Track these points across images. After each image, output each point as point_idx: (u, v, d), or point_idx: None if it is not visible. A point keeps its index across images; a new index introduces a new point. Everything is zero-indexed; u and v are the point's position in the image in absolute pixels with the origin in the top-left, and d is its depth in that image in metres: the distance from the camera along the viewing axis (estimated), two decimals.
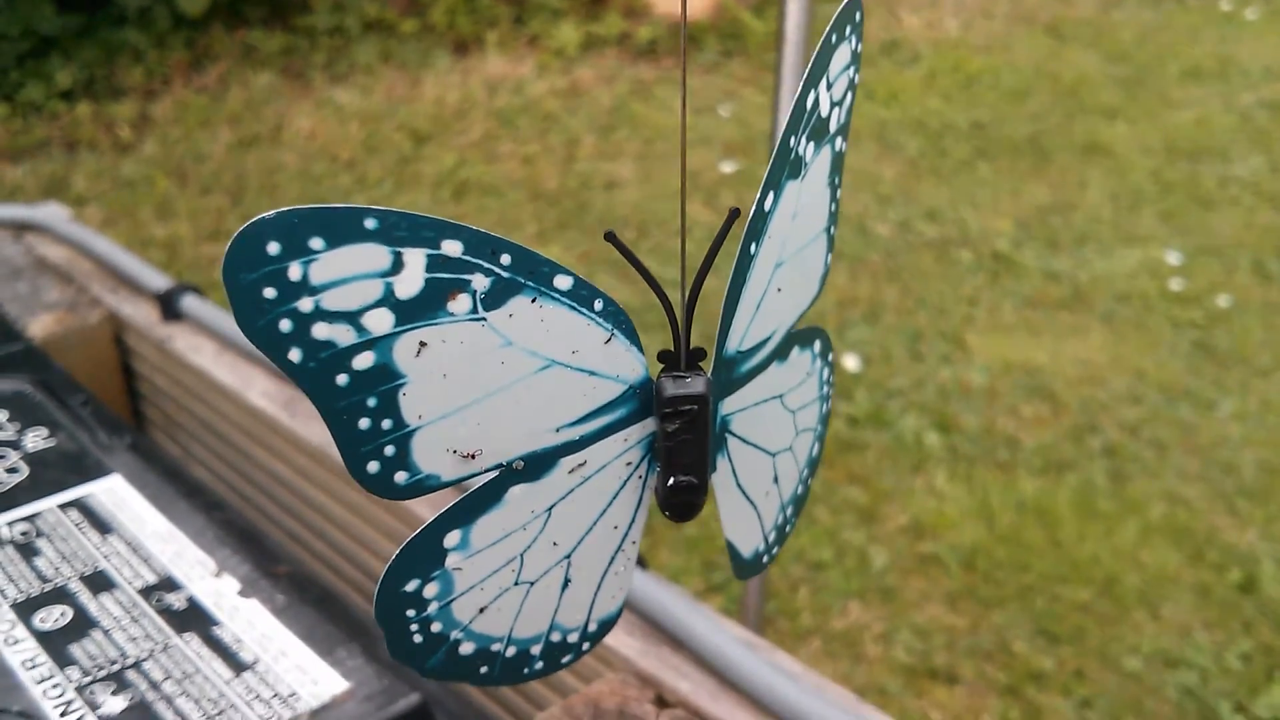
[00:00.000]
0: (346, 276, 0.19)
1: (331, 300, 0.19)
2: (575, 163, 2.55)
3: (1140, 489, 1.52)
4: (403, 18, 3.18)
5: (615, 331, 0.22)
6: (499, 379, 0.22)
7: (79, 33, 2.85)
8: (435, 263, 0.20)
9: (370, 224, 0.19)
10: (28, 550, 0.44)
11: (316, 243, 0.19)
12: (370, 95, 2.81)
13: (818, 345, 0.30)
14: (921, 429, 1.64)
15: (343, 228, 0.19)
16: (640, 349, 0.23)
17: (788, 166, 0.26)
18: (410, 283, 0.20)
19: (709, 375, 0.24)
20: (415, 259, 0.19)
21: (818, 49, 0.26)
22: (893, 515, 1.46)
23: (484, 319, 0.21)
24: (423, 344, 0.20)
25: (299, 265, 0.19)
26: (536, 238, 2.20)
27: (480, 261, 0.20)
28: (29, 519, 0.46)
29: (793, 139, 0.26)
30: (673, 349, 0.24)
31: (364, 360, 0.20)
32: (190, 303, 0.76)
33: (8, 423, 0.54)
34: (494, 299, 0.21)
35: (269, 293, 0.19)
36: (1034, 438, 1.63)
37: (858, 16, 0.28)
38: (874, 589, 1.31)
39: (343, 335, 0.20)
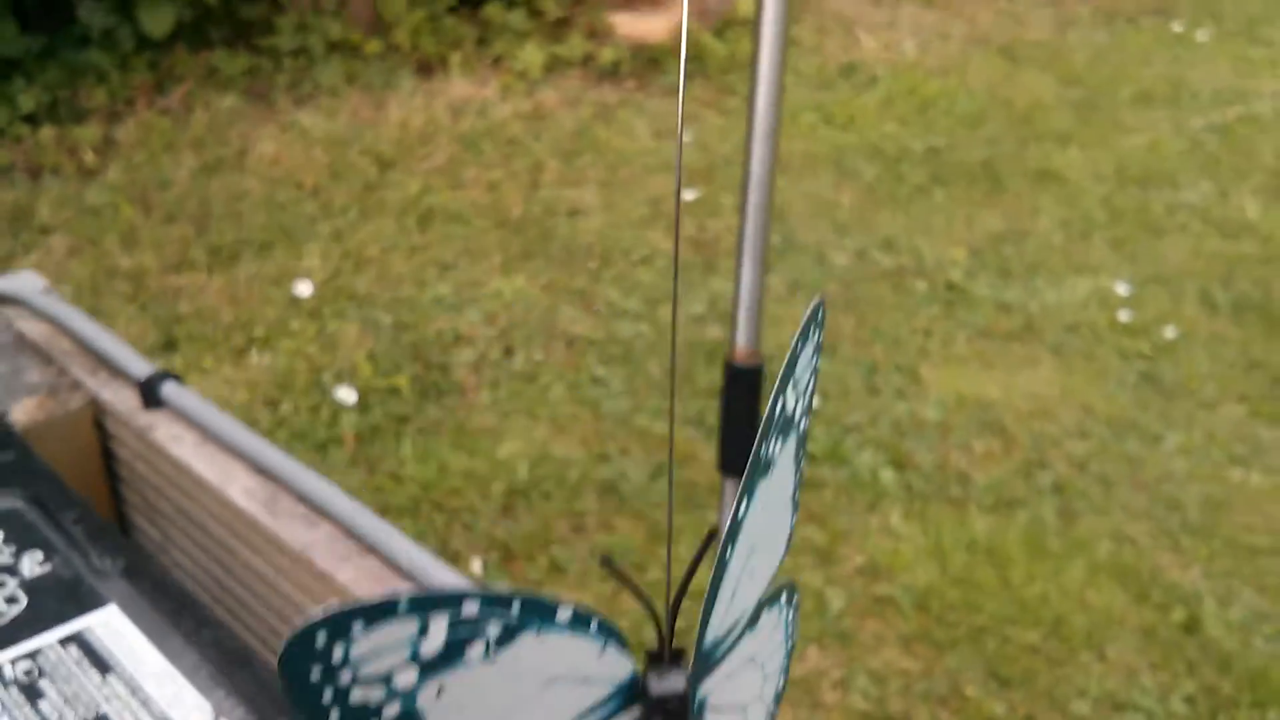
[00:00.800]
0: (380, 649, 0.22)
1: (366, 671, 0.22)
2: (539, 189, 2.58)
3: (1088, 526, 1.57)
4: (367, 38, 3.19)
5: (607, 642, 0.26)
6: (508, 701, 0.25)
7: (41, 54, 2.85)
8: (455, 622, 0.23)
9: (403, 606, 0.22)
10: (32, 692, 0.47)
11: (356, 627, 0.22)
12: (334, 118, 2.82)
13: (784, 597, 0.33)
14: (877, 465, 1.68)
15: (380, 612, 0.22)
16: (629, 651, 0.27)
17: (759, 472, 0.28)
18: (433, 642, 0.23)
19: (689, 670, 0.27)
20: (439, 623, 0.23)
21: (786, 358, 0.28)
22: (849, 555, 1.51)
23: (495, 659, 0.24)
24: (442, 688, 0.24)
25: (340, 648, 0.22)
26: (501, 268, 2.23)
27: (493, 613, 0.23)
28: (31, 656, 0.49)
29: (764, 448, 0.28)
30: (658, 649, 0.27)
31: (392, 710, 0.23)
32: (171, 390, 0.79)
33: (4, 545, 0.57)
34: (504, 640, 0.24)
35: (315, 675, 0.22)
36: (985, 474, 1.68)
37: (820, 314, 0.30)
38: (831, 633, 1.35)
39: (375, 695, 0.23)
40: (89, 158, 2.58)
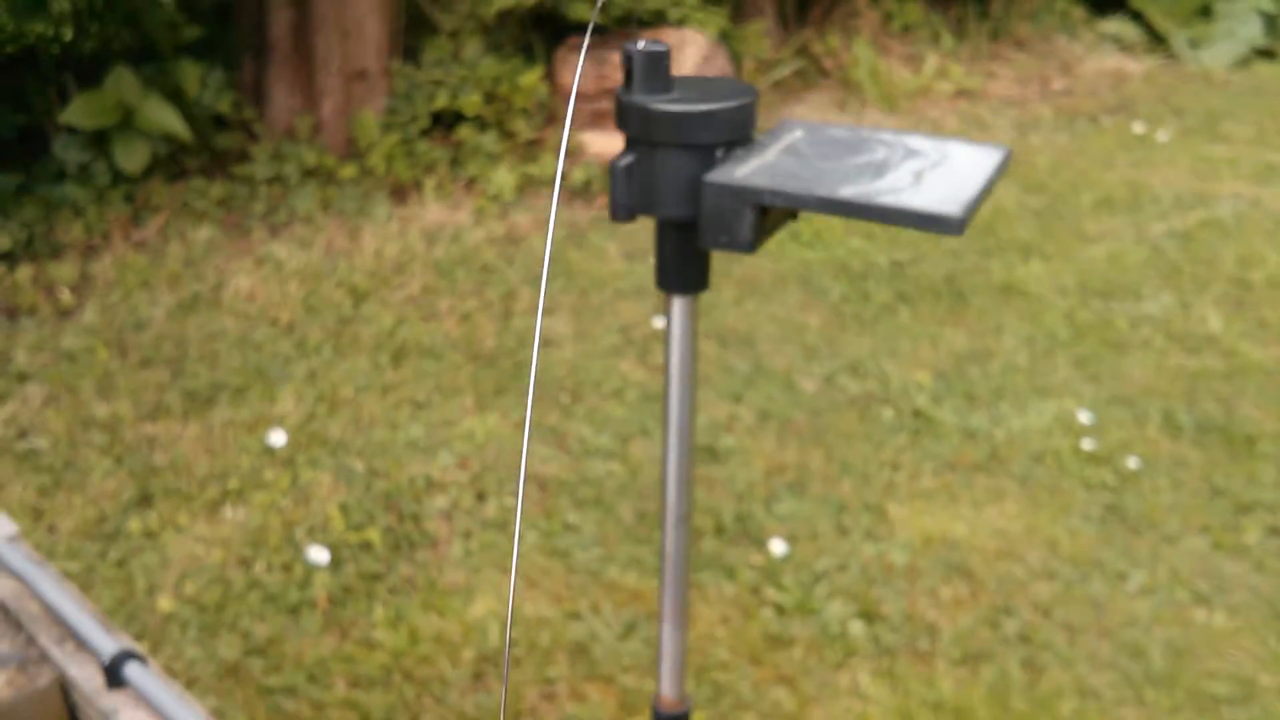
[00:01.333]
0: None
1: None
2: (512, 318, 2.62)
3: (1052, 681, 1.59)
4: (341, 163, 3.25)
5: None
6: None
7: (18, 190, 2.89)
8: None
9: None
10: None
11: None
12: (310, 249, 2.86)
13: None
14: (846, 617, 1.70)
15: None
16: None
17: None
18: None
19: None
20: None
21: None
22: None
23: None
24: None
25: None
26: (475, 406, 2.25)
27: None
28: None
29: None
30: None
31: None
32: (134, 672, 0.81)
33: None
34: None
35: None
36: (953, 623, 1.70)
37: None
38: None
39: None
40: (66, 297, 2.61)
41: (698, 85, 0.76)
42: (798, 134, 0.78)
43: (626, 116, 0.74)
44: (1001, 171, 0.72)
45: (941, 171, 0.70)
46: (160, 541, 1.88)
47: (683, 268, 0.77)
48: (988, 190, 0.69)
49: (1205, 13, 5.30)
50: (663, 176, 0.73)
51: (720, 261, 2.46)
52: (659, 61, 0.73)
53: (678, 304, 0.79)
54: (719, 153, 0.73)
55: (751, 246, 0.70)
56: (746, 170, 0.70)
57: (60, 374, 2.32)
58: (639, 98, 0.73)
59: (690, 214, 0.72)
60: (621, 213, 0.75)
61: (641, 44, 0.73)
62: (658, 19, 3.56)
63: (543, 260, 2.89)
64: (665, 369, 0.80)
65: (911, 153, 0.74)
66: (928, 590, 1.77)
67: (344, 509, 1.92)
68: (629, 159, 0.74)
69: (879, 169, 0.71)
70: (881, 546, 1.87)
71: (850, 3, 4.33)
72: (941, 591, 1.77)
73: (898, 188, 0.68)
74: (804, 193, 0.67)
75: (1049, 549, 1.88)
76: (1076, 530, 1.94)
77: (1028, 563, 1.84)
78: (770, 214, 0.71)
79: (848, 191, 0.67)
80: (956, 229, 0.63)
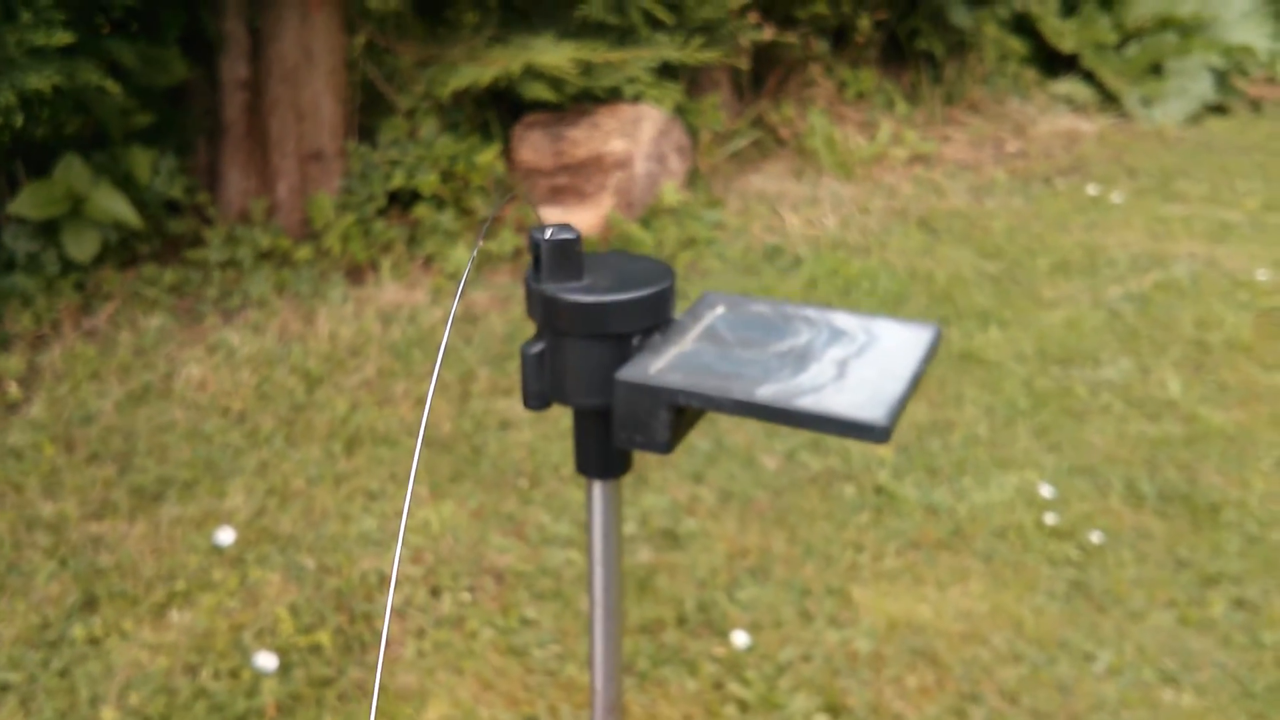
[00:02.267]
0: None
1: None
2: (469, 400, 2.58)
3: None
4: (297, 245, 3.22)
5: None
6: None
7: None
8: None
9: None
10: None
11: None
12: (263, 334, 2.82)
13: None
14: (811, 711, 1.66)
15: None
16: None
17: None
18: None
19: None
20: None
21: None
22: None
23: None
24: None
25: None
26: (430, 494, 2.21)
27: None
28: None
29: None
30: None
31: None
32: None
33: None
34: None
35: None
36: (919, 713, 1.67)
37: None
38: None
39: None
40: (13, 390, 2.56)
41: (612, 268, 0.73)
42: (719, 310, 0.75)
43: (535, 305, 0.71)
44: (931, 355, 0.69)
45: (868, 359, 0.67)
46: (104, 649, 1.82)
47: (603, 454, 0.74)
48: (916, 381, 0.66)
49: (1156, 71, 5.39)
50: (575, 366, 0.70)
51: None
52: (568, 249, 0.69)
53: (599, 489, 0.75)
54: (635, 340, 0.70)
55: (668, 447, 0.66)
56: (662, 364, 0.67)
57: (5, 472, 2.26)
58: (547, 287, 0.70)
59: (606, 403, 0.69)
60: (534, 401, 0.72)
61: (549, 231, 0.70)
62: (613, 95, 3.58)
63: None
64: (589, 556, 0.76)
65: (836, 335, 0.71)
66: (893, 679, 1.74)
67: (294, 609, 1.87)
68: (539, 347, 0.71)
69: (801, 359, 0.68)
70: (846, 633, 1.84)
71: (805, 73, 4.37)
72: (907, 680, 1.73)
73: (819, 384, 0.64)
74: (720, 394, 0.63)
75: (1014, 630, 1.85)
76: (1042, 609, 1.91)
77: (993, 645, 1.81)
78: (689, 410, 0.67)
79: (766, 393, 0.63)
80: (880, 437, 0.60)
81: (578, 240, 0.70)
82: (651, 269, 0.73)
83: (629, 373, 0.66)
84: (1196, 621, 1.88)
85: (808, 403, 0.62)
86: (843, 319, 0.73)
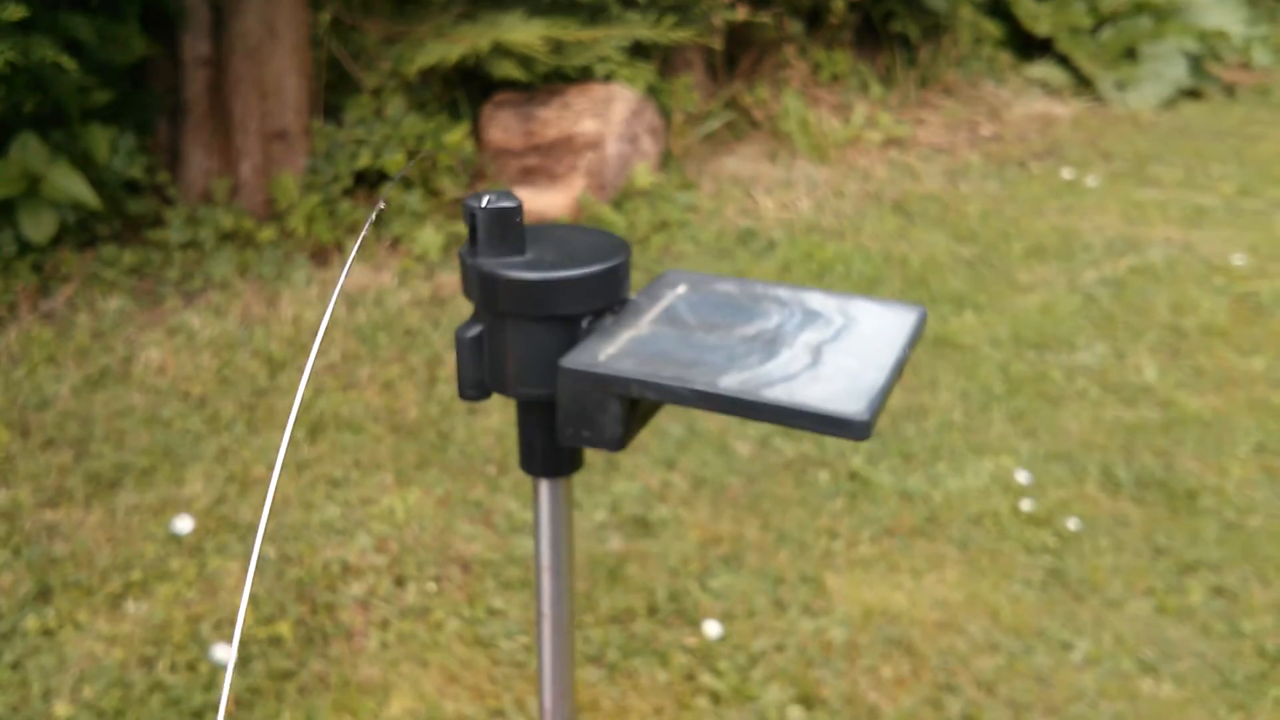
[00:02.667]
0: None
1: None
2: (436, 384, 2.53)
3: None
4: (260, 225, 3.15)
5: None
6: None
7: None
8: None
9: None
10: None
11: None
12: (224, 317, 2.76)
13: None
14: (785, 702, 1.62)
15: None
16: None
17: None
18: None
19: None
20: None
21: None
22: None
23: None
24: None
25: None
26: (395, 481, 2.16)
27: None
28: None
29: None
30: None
31: None
32: None
33: None
34: None
35: None
36: (894, 704, 1.63)
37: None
38: None
39: None
40: None
41: (558, 241, 0.65)
42: (680, 290, 0.68)
43: (472, 282, 0.63)
44: (915, 340, 0.63)
45: (845, 345, 0.61)
46: (58, 640, 1.76)
47: (550, 451, 0.66)
48: (899, 370, 0.59)
49: (1131, 55, 5.37)
50: (517, 352, 0.63)
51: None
52: (507, 219, 0.62)
53: (546, 489, 0.68)
54: (585, 322, 0.63)
55: (619, 444, 0.59)
56: (613, 350, 0.60)
57: None
58: (485, 261, 0.62)
59: (552, 393, 0.61)
60: (471, 390, 0.64)
61: (486, 198, 0.62)
62: (584, 74, 3.52)
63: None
64: (535, 563, 0.69)
65: (810, 316, 0.64)
66: (868, 669, 1.70)
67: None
68: (476, 330, 0.63)
69: (770, 343, 0.61)
70: (820, 622, 1.80)
71: (779, 54, 4.32)
72: (882, 670, 1.70)
73: (790, 373, 0.58)
74: (678, 384, 0.56)
75: (991, 619, 1.82)
76: (1018, 597, 1.88)
77: (970, 635, 1.78)
78: (643, 403, 0.60)
79: (730, 382, 0.56)
80: (860, 433, 0.54)
81: (518, 209, 0.63)
82: (603, 242, 0.65)
83: (575, 359, 0.59)
84: (1175, 610, 1.85)
85: (778, 394, 0.55)
86: (817, 300, 0.66)
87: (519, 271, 0.61)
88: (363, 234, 0.61)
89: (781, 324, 0.63)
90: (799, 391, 0.56)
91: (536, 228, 0.66)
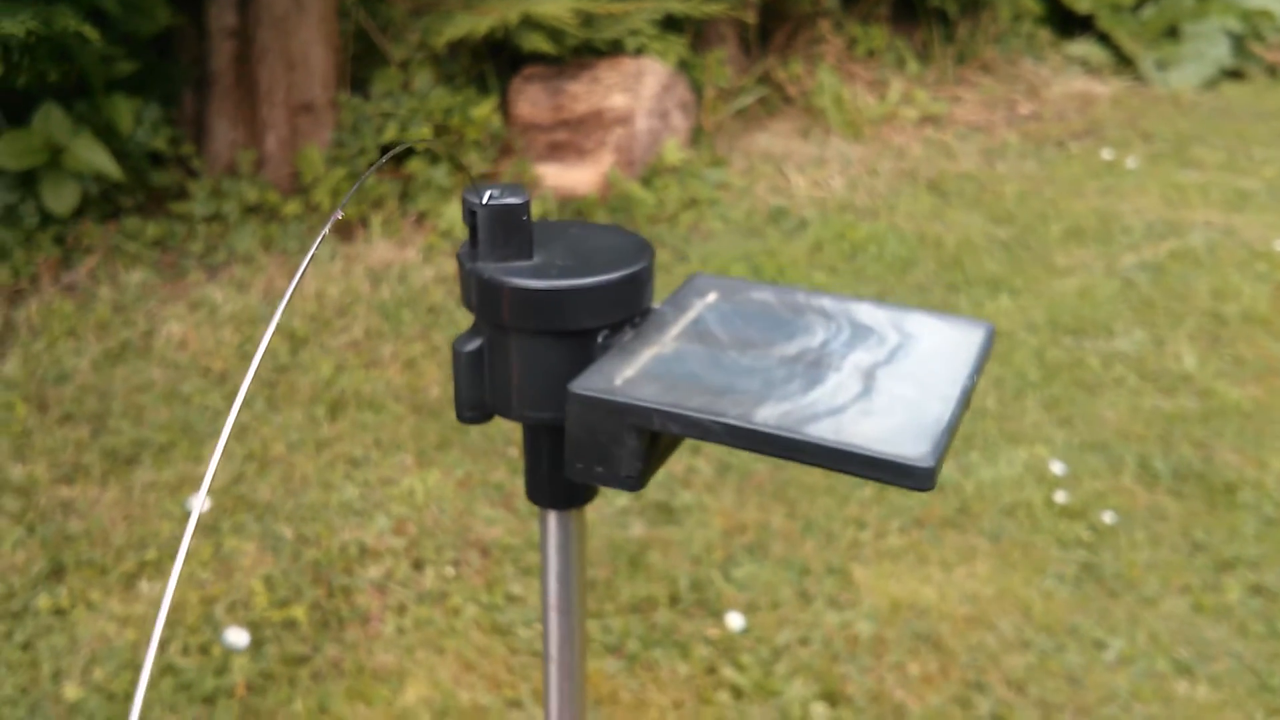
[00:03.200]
0: None
1: None
2: None
3: None
4: (285, 199, 3.12)
5: None
6: None
7: None
8: None
9: None
10: None
11: None
12: (247, 291, 2.73)
13: None
14: (809, 699, 1.58)
15: None
16: None
17: None
18: None
19: None
20: None
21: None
22: None
23: None
24: None
25: None
26: (415, 462, 2.13)
27: None
28: None
29: None
30: None
31: None
32: None
33: None
34: None
35: None
36: (922, 702, 1.59)
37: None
38: None
39: None
40: None
41: (571, 242, 0.57)
42: (710, 299, 0.59)
43: (471, 289, 0.56)
44: (983, 363, 0.54)
45: (902, 369, 0.53)
46: (70, 620, 1.74)
47: (560, 481, 0.58)
48: (966, 401, 0.51)
49: (1173, 34, 5.25)
50: (522, 371, 0.55)
51: (676, 283, 2.25)
52: (513, 218, 0.54)
53: (554, 521, 0.60)
54: (601, 337, 0.55)
55: (638, 483, 0.51)
56: (632, 372, 0.52)
57: None
58: (486, 266, 0.54)
59: (562, 417, 0.53)
60: (469, 413, 0.57)
61: (489, 193, 0.55)
62: (614, 48, 3.46)
63: None
64: (542, 601, 0.61)
65: (860, 333, 0.55)
66: (895, 665, 1.66)
67: (268, 582, 1.78)
68: (475, 343, 0.56)
69: (814, 366, 0.53)
70: (846, 615, 1.76)
71: (814, 28, 4.24)
72: (910, 666, 1.65)
73: (838, 404, 0.50)
74: (707, 417, 0.48)
75: (1023, 615, 1.77)
76: (1051, 593, 1.83)
77: (1000, 631, 1.73)
78: (665, 434, 0.52)
79: (768, 414, 0.48)
80: (924, 481, 0.45)
81: (525, 206, 0.55)
82: (623, 244, 0.58)
83: (588, 383, 0.51)
84: (1212, 608, 1.79)
85: (824, 432, 0.48)
86: (868, 312, 0.58)
87: (525, 279, 0.54)
88: (315, 245, 0.54)
89: (827, 341, 0.55)
90: (849, 428, 0.48)
91: (547, 225, 0.59)
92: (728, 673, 1.63)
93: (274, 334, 2.51)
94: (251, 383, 2.07)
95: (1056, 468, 2.14)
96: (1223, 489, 2.11)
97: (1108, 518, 2.00)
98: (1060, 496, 2.06)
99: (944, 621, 1.75)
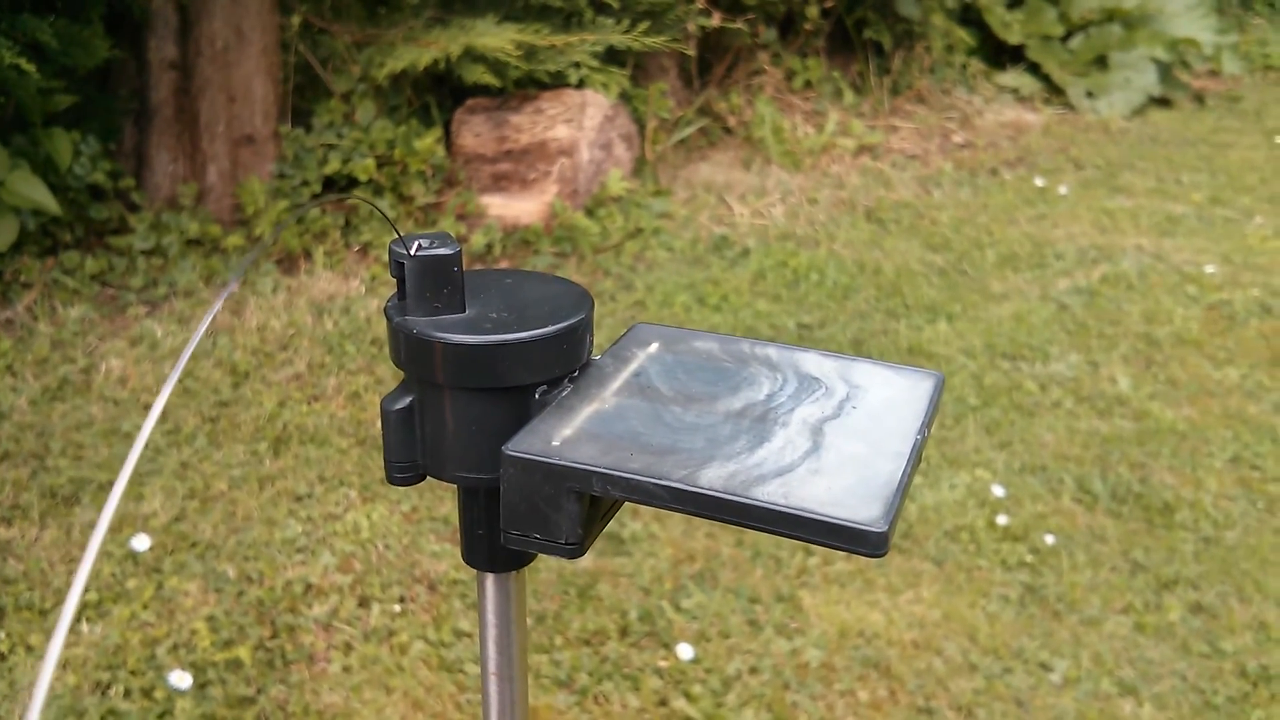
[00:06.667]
0: None
1: None
2: None
3: None
4: (227, 232, 3.10)
5: None
6: None
7: None
8: None
9: None
10: None
11: None
12: (188, 325, 2.70)
13: None
14: None
15: None
16: None
17: None
18: None
19: None
20: None
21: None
22: None
23: None
24: None
25: None
26: (360, 496, 2.11)
27: None
28: None
29: None
30: None
31: None
32: None
33: None
34: None
35: None
36: None
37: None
38: None
39: None
40: None
41: (506, 293, 0.55)
42: (653, 349, 0.58)
43: (400, 346, 0.53)
44: (933, 415, 0.53)
45: (850, 424, 0.51)
46: (8, 664, 1.70)
47: (497, 543, 0.54)
48: (918, 457, 0.50)
49: (1101, 63, 5.37)
50: (455, 430, 0.53)
51: (621, 313, 2.26)
52: (444, 269, 0.52)
53: (491, 584, 0.58)
54: (538, 393, 0.53)
55: (579, 549, 0.49)
56: (570, 431, 0.50)
57: None
58: (415, 320, 0.52)
59: (499, 478, 0.50)
60: (399, 474, 0.55)
61: (416, 243, 0.52)
62: (557, 80, 3.48)
63: None
64: (482, 667, 0.59)
65: (806, 384, 0.54)
66: (844, 692, 1.67)
67: (212, 622, 1.76)
68: (405, 401, 0.54)
69: (761, 422, 0.51)
70: (795, 643, 1.77)
71: (752, 60, 4.29)
72: (859, 693, 1.67)
73: (786, 463, 0.48)
74: (649, 480, 0.46)
75: (969, 638, 1.79)
76: (995, 615, 1.85)
77: (947, 655, 1.75)
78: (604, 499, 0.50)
79: (714, 476, 0.47)
80: (876, 547, 0.44)
81: (456, 257, 0.52)
82: (560, 294, 0.56)
83: (522, 444, 0.49)
84: (1154, 628, 1.83)
85: (772, 494, 0.46)
86: (814, 362, 0.56)
87: (457, 334, 0.51)
88: (232, 284, 0.53)
89: (773, 394, 0.54)
90: (798, 490, 0.46)
91: (480, 275, 0.57)
92: (679, 704, 1.63)
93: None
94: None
95: (997, 490, 2.18)
96: (1160, 509, 2.15)
97: (1049, 539, 2.04)
98: (1002, 519, 2.09)
99: (892, 647, 1.77)
